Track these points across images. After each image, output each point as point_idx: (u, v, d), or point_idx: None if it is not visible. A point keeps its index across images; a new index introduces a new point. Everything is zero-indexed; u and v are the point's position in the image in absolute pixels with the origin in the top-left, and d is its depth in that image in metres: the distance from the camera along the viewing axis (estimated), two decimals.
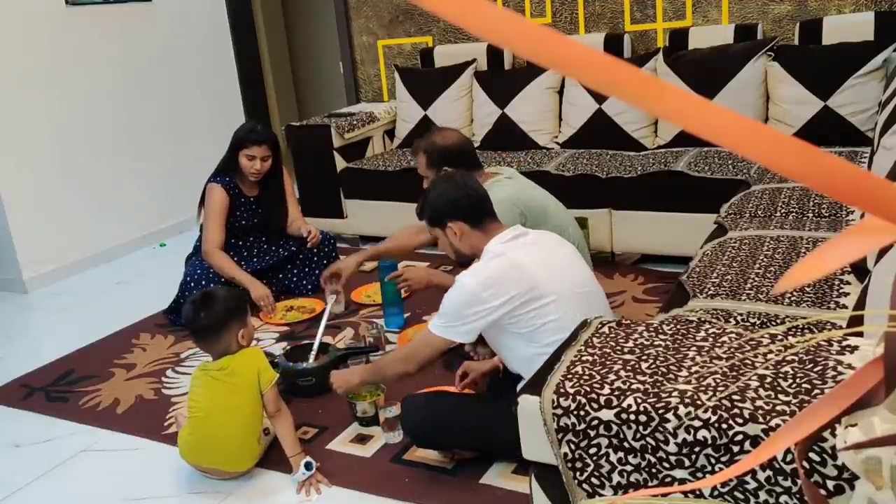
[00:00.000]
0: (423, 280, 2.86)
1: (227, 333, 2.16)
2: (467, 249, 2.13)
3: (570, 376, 1.35)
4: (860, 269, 1.98)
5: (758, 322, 1.89)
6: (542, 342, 1.92)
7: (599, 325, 1.54)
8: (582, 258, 2.17)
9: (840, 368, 1.24)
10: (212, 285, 3.24)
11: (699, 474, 1.22)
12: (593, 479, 1.32)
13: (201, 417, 2.15)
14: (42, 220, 4.05)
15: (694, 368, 1.31)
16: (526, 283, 1.93)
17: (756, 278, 2.12)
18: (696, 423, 1.20)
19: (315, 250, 3.53)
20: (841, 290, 2.00)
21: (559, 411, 1.31)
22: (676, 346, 1.40)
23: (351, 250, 4.11)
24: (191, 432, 2.19)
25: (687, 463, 1.23)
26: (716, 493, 1.20)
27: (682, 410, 1.21)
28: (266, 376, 2.17)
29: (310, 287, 3.52)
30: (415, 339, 2.11)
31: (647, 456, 1.26)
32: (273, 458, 2.28)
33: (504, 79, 4.25)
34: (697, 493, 1.18)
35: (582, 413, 1.29)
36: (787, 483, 1.15)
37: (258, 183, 3.41)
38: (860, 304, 1.72)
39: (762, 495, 1.17)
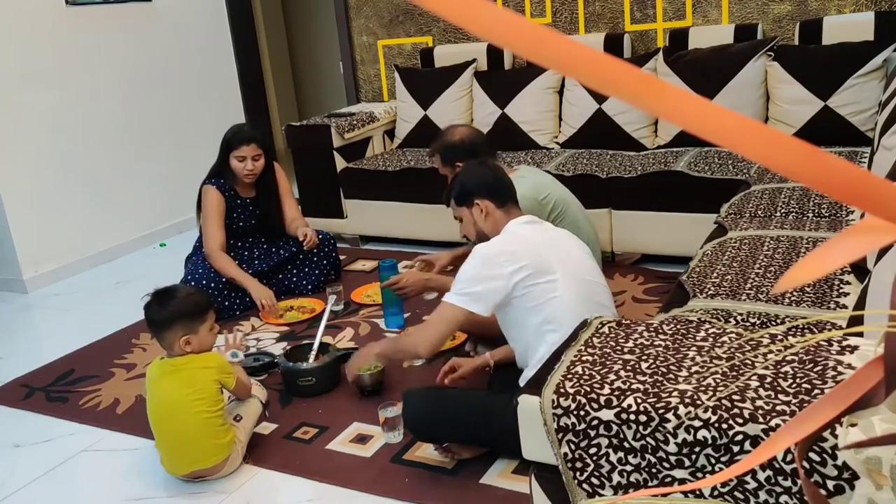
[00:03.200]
0: (418, 285, 2.87)
1: (169, 333, 2.18)
2: (490, 229, 2.24)
3: (570, 376, 1.35)
4: (860, 269, 1.98)
5: (758, 322, 1.89)
6: (547, 317, 2.03)
7: (599, 325, 1.54)
8: (591, 253, 2.28)
9: (840, 368, 1.24)
10: (212, 285, 3.25)
11: (699, 474, 1.22)
12: (593, 479, 1.32)
13: (159, 424, 2.18)
14: (42, 220, 4.05)
15: (694, 368, 1.31)
16: (536, 257, 2.07)
17: (756, 278, 2.12)
18: (696, 423, 1.20)
19: (315, 250, 3.53)
20: (841, 290, 2.00)
21: (559, 411, 1.31)
22: (676, 346, 1.40)
23: (351, 250, 4.12)
24: (157, 444, 2.22)
25: (687, 463, 1.23)
26: (716, 493, 1.20)
27: (682, 410, 1.21)
28: (228, 378, 2.22)
29: (310, 287, 3.52)
30: (432, 317, 2.16)
31: (647, 456, 1.26)
32: (273, 458, 2.28)
33: (504, 79, 4.25)
34: (697, 493, 1.18)
35: (582, 413, 1.29)
36: (787, 483, 1.15)
37: (253, 184, 3.42)
38: (860, 304, 1.72)
39: (762, 495, 1.17)
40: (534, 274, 2.04)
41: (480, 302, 2.05)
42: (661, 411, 1.23)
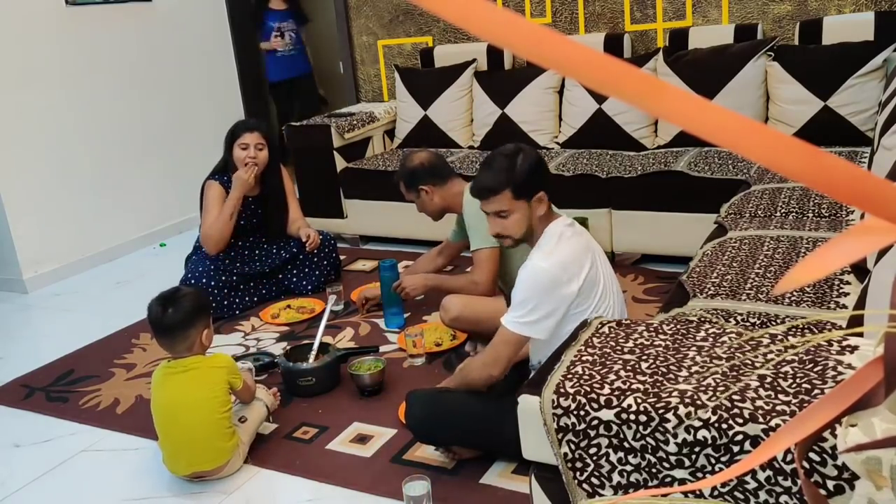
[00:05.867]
0: (419, 285, 2.95)
1: (193, 331, 2.17)
2: (536, 225, 2.09)
3: (570, 376, 1.35)
4: (860, 269, 1.98)
5: (758, 322, 1.89)
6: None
7: (599, 325, 1.54)
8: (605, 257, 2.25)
9: (840, 368, 1.24)
10: (212, 284, 3.25)
11: (699, 474, 1.22)
12: (593, 479, 1.32)
13: (164, 422, 2.17)
14: (42, 220, 4.05)
15: (694, 368, 1.31)
16: (591, 264, 2.03)
17: (756, 278, 2.12)
18: (696, 423, 1.20)
19: (315, 251, 3.53)
20: (841, 290, 2.00)
21: (559, 411, 1.31)
22: (676, 346, 1.40)
23: (351, 250, 4.12)
24: (161, 442, 2.22)
25: (687, 463, 1.23)
26: (716, 493, 1.20)
27: (682, 410, 1.21)
28: (237, 380, 2.22)
29: (310, 287, 3.52)
30: (493, 340, 2.02)
31: (647, 456, 1.26)
32: (273, 457, 2.28)
33: (504, 79, 4.25)
34: (697, 493, 1.18)
35: (582, 413, 1.29)
36: (787, 483, 1.15)
37: (258, 183, 3.41)
38: (860, 304, 1.72)
39: (762, 495, 1.17)
40: (589, 282, 2.00)
41: (542, 328, 1.95)
42: (661, 411, 1.23)
